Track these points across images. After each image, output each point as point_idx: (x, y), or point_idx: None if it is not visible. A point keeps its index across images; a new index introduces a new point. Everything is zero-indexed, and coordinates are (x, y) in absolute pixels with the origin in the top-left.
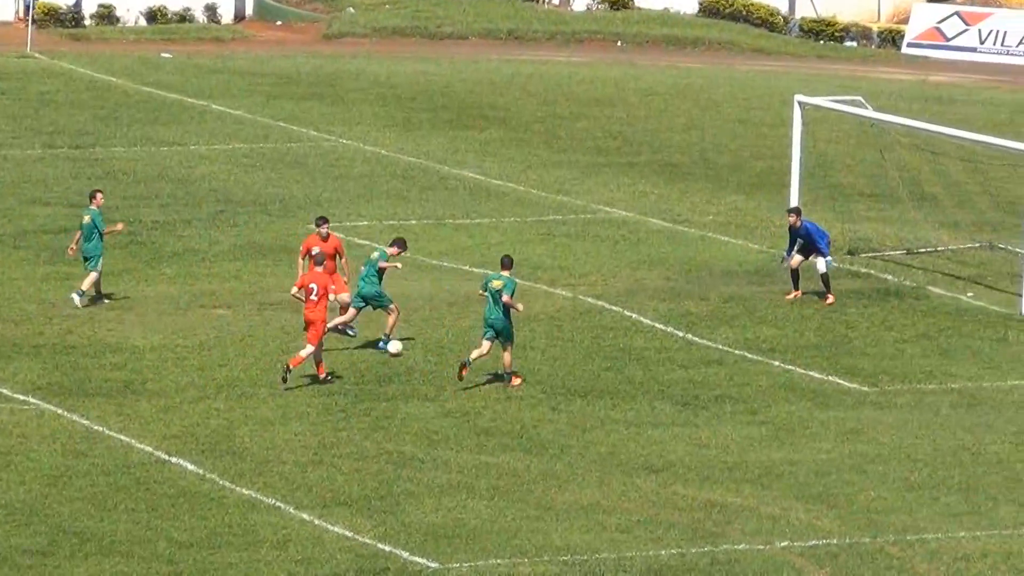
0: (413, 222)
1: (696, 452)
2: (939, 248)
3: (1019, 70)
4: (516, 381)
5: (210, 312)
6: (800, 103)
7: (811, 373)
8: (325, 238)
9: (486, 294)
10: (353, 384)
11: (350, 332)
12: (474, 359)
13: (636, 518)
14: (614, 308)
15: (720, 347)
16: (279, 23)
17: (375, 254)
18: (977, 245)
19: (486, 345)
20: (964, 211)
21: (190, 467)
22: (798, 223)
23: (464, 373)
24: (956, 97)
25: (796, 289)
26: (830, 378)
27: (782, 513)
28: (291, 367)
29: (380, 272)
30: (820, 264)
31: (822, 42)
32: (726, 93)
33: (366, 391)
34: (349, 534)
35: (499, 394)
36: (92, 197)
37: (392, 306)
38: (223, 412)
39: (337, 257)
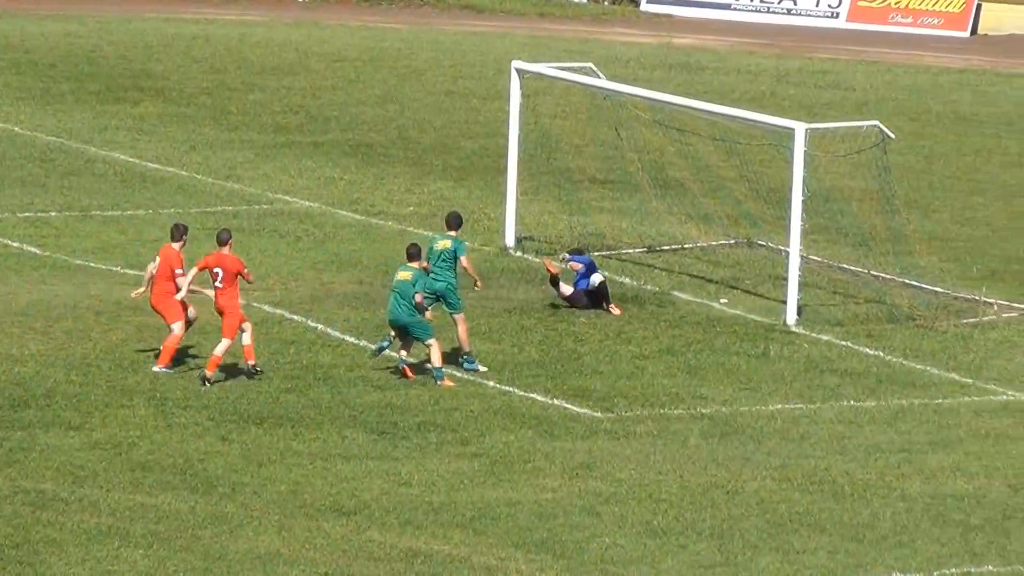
0: (53, 214)
1: (395, 491)
2: (687, 245)
3: (781, 31)
4: (409, 374)
5: None
6: (519, 71)
7: (533, 396)
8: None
9: (394, 291)
10: None
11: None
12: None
13: (323, 570)
14: (295, 317)
15: (423, 365)
16: None
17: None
18: (732, 242)
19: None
20: (717, 201)
21: None
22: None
23: (410, 375)
24: (707, 64)
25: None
26: (556, 402)
27: (499, 564)
28: (209, 374)
29: None
30: (595, 279)
31: None
32: (429, 59)
33: None
34: None
35: (158, 421)
36: None
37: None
38: None
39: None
